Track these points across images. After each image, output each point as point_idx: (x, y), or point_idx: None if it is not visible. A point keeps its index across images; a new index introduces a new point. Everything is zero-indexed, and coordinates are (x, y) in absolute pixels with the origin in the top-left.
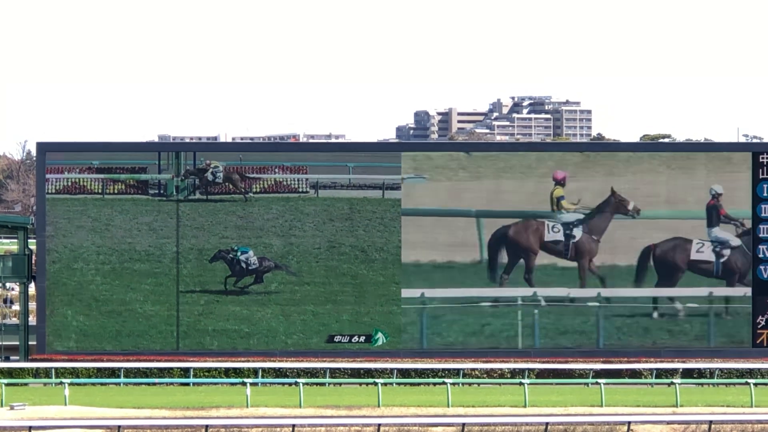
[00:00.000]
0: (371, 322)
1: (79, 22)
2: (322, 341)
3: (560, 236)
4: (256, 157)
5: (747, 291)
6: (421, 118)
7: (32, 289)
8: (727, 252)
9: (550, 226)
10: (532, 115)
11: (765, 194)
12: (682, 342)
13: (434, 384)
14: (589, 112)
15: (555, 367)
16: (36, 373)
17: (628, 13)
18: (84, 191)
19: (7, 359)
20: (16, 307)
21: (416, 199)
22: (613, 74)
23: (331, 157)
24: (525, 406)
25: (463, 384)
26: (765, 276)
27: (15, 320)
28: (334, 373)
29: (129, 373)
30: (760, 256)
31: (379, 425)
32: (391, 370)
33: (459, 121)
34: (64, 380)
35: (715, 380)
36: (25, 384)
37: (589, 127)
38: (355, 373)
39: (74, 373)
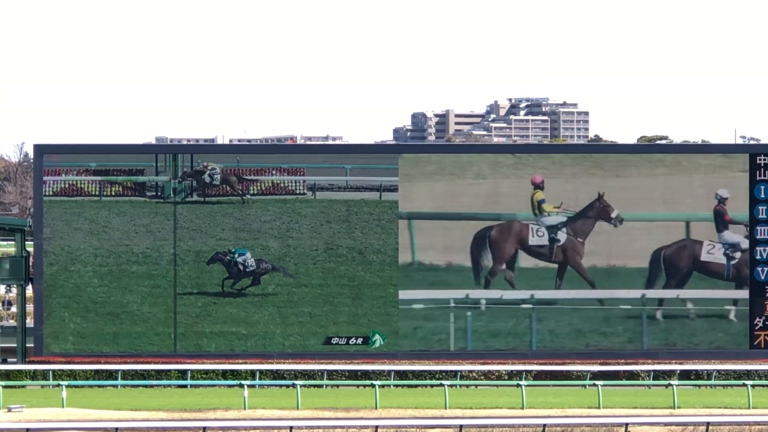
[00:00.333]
0: (368, 323)
1: (77, 24)
2: (320, 343)
3: (545, 240)
4: (254, 159)
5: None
6: (419, 119)
7: (30, 291)
8: (738, 255)
9: (534, 229)
10: (530, 117)
11: (762, 196)
12: (614, 344)
13: (432, 386)
14: (587, 113)
15: (552, 368)
16: (33, 375)
17: (625, 14)
18: (81, 193)
19: (4, 361)
20: (14, 309)
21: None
22: (611, 75)
23: (329, 158)
24: (522, 408)
25: (460, 386)
26: (762, 278)
27: (12, 322)
28: (332, 374)
29: (126, 375)
30: (757, 257)
31: (377, 427)
32: (389, 371)
33: (456, 123)
34: (61, 382)
35: (712, 382)
36: (23, 386)
37: (587, 129)
38: (353, 374)
39: (72, 375)
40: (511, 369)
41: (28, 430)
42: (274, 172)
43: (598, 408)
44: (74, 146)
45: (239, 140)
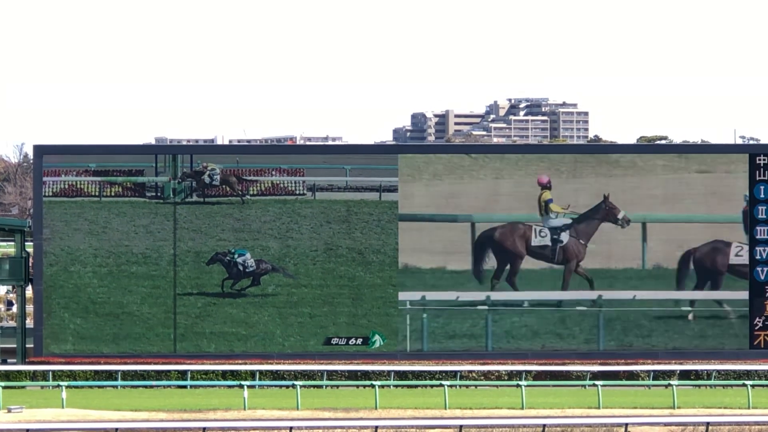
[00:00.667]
0: (368, 324)
1: (76, 24)
2: (320, 343)
3: (547, 241)
4: (253, 160)
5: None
6: (418, 120)
7: (29, 291)
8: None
9: (537, 230)
10: (529, 117)
11: (762, 196)
12: (572, 345)
13: (431, 386)
14: (587, 113)
15: (552, 369)
16: (33, 376)
17: (625, 14)
18: (81, 194)
19: (4, 362)
20: (15, 309)
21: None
22: (610, 76)
23: (328, 159)
24: (522, 408)
25: (460, 386)
26: (762, 278)
27: (12, 323)
28: (332, 375)
29: (126, 375)
30: (757, 257)
31: (377, 427)
32: (389, 372)
33: (456, 123)
34: (61, 383)
35: (712, 382)
36: (23, 387)
37: (586, 129)
38: (353, 375)
39: (71, 375)
40: (511, 369)
41: (27, 430)
42: (273, 172)
43: (598, 408)
44: (74, 147)
45: (239, 141)
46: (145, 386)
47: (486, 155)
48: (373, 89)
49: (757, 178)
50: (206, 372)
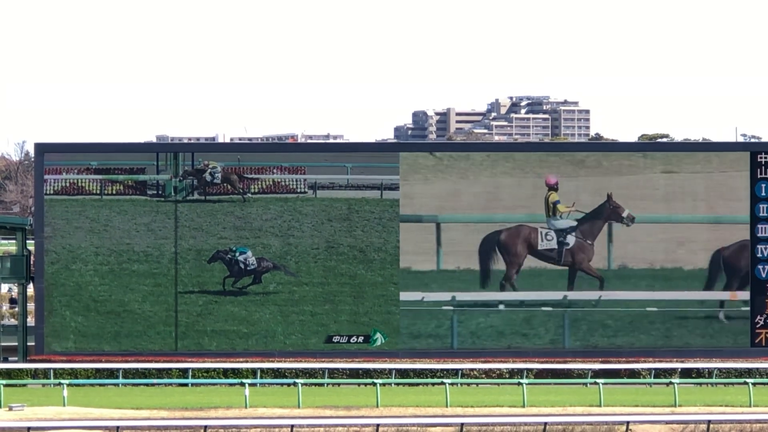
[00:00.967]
0: (370, 322)
1: (77, 23)
2: (321, 341)
3: (553, 243)
4: (254, 158)
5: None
6: (419, 118)
7: (31, 289)
8: None
9: (543, 233)
10: (530, 115)
11: (763, 194)
12: (537, 345)
13: (433, 384)
14: (588, 111)
15: (554, 367)
16: (35, 374)
17: (626, 13)
18: (82, 192)
19: (5, 360)
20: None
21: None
22: (612, 74)
23: (330, 157)
24: (523, 406)
25: (461, 384)
26: (763, 276)
27: (14, 321)
28: (333, 373)
29: (127, 373)
30: (758, 255)
31: (378, 425)
32: (390, 370)
33: (457, 122)
34: (62, 381)
35: (713, 380)
36: (24, 385)
37: (588, 127)
38: (354, 373)
39: (73, 373)
40: (512, 367)
41: (29, 429)
42: (275, 170)
43: (600, 406)
44: (75, 145)
45: (240, 139)
46: (147, 384)
47: (487, 153)
48: (374, 87)
49: (759, 176)
50: (207, 370)
